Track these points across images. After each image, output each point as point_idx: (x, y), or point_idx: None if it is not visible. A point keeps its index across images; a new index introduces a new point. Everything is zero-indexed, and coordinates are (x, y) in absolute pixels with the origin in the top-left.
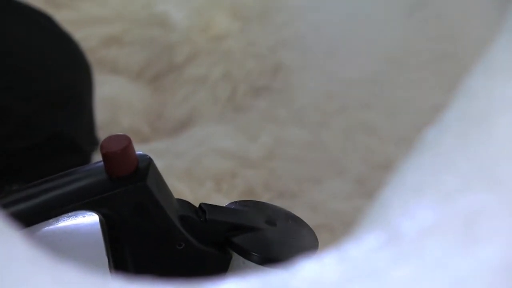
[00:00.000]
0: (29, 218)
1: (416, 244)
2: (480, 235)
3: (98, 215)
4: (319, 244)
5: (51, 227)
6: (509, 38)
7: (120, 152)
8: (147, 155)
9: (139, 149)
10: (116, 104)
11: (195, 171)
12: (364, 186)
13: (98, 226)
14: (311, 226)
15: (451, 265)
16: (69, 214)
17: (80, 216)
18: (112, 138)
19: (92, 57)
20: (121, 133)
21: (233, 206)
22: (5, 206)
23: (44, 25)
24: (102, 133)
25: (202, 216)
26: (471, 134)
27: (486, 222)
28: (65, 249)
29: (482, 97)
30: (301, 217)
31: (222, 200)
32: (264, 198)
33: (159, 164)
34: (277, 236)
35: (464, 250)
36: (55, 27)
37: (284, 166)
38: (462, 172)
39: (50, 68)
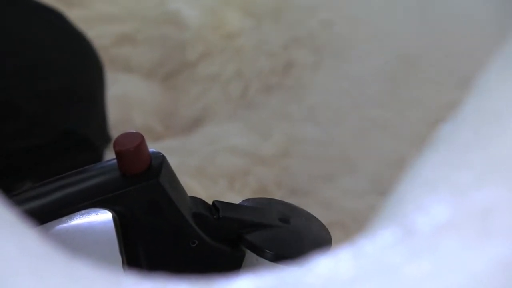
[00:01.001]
0: (42, 216)
1: (431, 240)
2: (495, 231)
3: (112, 213)
4: (332, 241)
5: (65, 225)
6: None
7: (133, 150)
8: (160, 153)
9: (152, 147)
10: (128, 102)
11: (208, 168)
12: (377, 183)
13: (112, 224)
14: (324, 223)
15: (466, 261)
16: (83, 211)
17: (94, 213)
18: (125, 136)
19: (104, 56)
20: (134, 131)
21: (246, 204)
22: (19, 204)
23: (56, 23)
24: (115, 131)
25: (215, 214)
26: (486, 130)
27: (501, 217)
28: (78, 246)
29: (497, 93)
30: (314, 214)
31: (235, 198)
32: (277, 195)
33: (172, 161)
34: (290, 234)
35: (479, 246)
36: (67, 25)
37: (296, 164)
38: (477, 168)
39: (62, 66)
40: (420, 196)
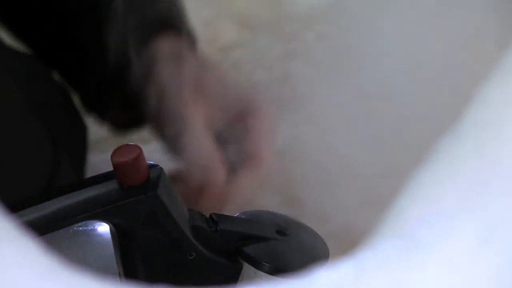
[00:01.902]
0: (40, 228)
1: (433, 252)
2: (498, 243)
3: (109, 225)
4: (330, 253)
5: (62, 236)
6: None
7: (131, 162)
8: (158, 165)
9: (142, 148)
10: None
11: None
12: (375, 195)
13: (109, 236)
14: (321, 235)
15: (469, 272)
16: (80, 223)
17: (91, 225)
18: (122, 148)
19: None
20: (132, 143)
21: (244, 216)
22: (18, 216)
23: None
24: (111, 144)
25: (213, 226)
26: (487, 142)
27: (504, 230)
28: (76, 258)
29: (498, 105)
30: (310, 226)
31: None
32: (273, 203)
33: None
34: (288, 246)
35: (482, 257)
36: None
37: (293, 169)
38: (478, 180)
39: None
40: (421, 208)
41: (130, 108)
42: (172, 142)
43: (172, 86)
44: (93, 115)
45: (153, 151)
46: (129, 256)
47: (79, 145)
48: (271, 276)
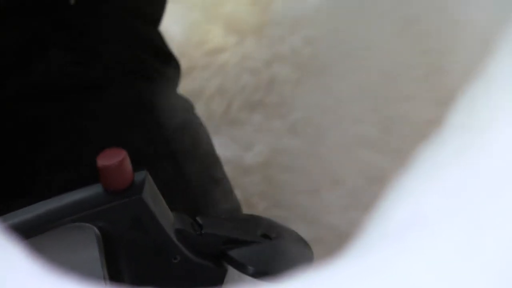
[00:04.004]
0: (25, 231)
1: (418, 254)
2: (480, 244)
3: (94, 228)
4: (314, 257)
5: (47, 239)
6: (510, 51)
7: (116, 166)
8: (143, 169)
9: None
10: None
11: None
12: (359, 198)
13: (94, 239)
14: (306, 239)
15: (453, 273)
16: (65, 227)
17: (76, 229)
18: (108, 152)
19: None
20: (117, 147)
21: (229, 220)
22: (3, 220)
23: None
24: None
25: (198, 230)
26: (468, 146)
27: (485, 231)
28: (61, 262)
29: (480, 111)
30: (296, 230)
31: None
32: (260, 207)
33: None
34: (272, 250)
35: (465, 258)
36: None
37: (280, 176)
38: (459, 184)
39: None
40: (405, 211)
41: None
42: None
43: None
44: None
45: None
46: (114, 259)
47: None
48: (255, 279)
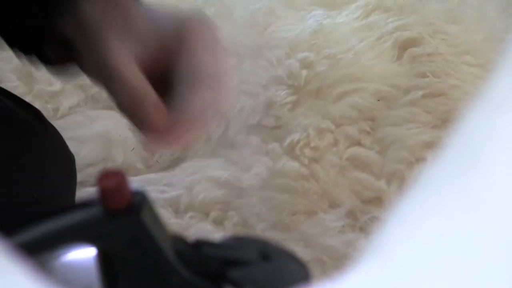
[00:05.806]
0: (25, 252)
1: (418, 275)
2: (480, 265)
3: (93, 249)
4: (313, 277)
5: (47, 260)
6: (509, 73)
7: (114, 187)
8: (142, 190)
9: (132, 180)
10: (110, 140)
11: (187, 200)
12: (356, 220)
13: (93, 259)
14: (303, 260)
15: None
16: (63, 247)
17: (75, 249)
18: (106, 173)
19: (86, 93)
20: (116, 168)
21: (227, 241)
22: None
23: None
24: (96, 169)
25: (196, 251)
26: (468, 167)
27: (485, 251)
28: (60, 281)
29: (479, 134)
30: (293, 251)
31: (215, 229)
32: (257, 228)
33: (150, 193)
34: (270, 270)
35: (465, 279)
36: None
37: (277, 197)
38: (459, 204)
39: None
40: (405, 232)
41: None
42: (104, 85)
43: (95, 27)
44: (31, 57)
45: None
46: (112, 279)
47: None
48: None
